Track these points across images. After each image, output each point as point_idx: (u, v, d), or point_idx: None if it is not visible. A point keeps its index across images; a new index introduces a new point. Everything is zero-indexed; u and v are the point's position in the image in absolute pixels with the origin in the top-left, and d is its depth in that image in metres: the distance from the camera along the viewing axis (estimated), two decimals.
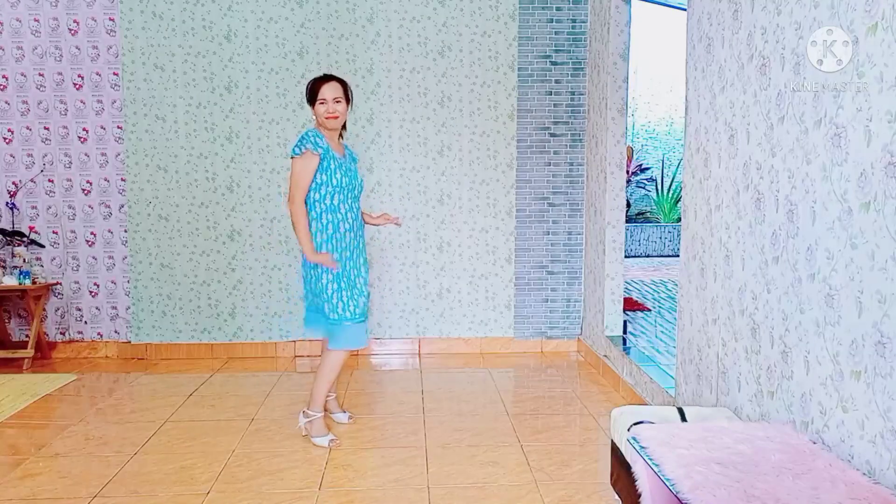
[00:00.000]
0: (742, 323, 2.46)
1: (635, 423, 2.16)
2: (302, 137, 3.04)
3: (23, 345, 4.57)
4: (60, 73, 4.56)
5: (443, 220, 4.75)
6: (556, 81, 4.72)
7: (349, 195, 3.12)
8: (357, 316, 3.11)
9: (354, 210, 3.16)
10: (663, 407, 2.47)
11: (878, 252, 1.71)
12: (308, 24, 4.59)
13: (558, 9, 4.68)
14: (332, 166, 3.05)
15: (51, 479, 2.77)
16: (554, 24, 4.69)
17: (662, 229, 10.33)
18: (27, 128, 4.58)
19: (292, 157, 3.04)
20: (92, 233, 4.67)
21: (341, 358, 3.17)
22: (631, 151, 10.79)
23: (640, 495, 1.92)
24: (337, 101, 3.07)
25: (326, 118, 3.06)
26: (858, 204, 1.79)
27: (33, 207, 4.64)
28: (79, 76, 4.56)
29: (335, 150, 3.11)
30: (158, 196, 4.62)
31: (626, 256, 4.47)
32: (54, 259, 4.68)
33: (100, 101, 4.58)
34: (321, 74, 3.17)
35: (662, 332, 4.87)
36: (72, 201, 4.64)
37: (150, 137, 4.58)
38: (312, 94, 3.09)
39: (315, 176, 3.03)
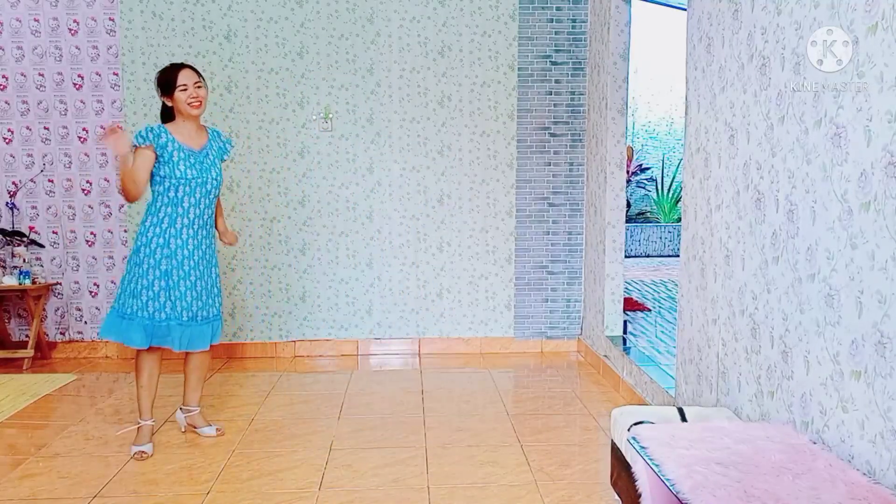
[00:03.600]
0: (742, 323, 2.46)
1: (635, 423, 2.16)
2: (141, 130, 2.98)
3: (23, 345, 4.57)
4: (60, 73, 4.56)
5: (443, 220, 4.75)
6: (557, 81, 4.72)
7: (197, 190, 3.00)
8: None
9: (201, 207, 3.04)
10: (663, 407, 2.47)
11: (879, 252, 1.71)
12: (308, 24, 4.59)
13: (558, 9, 4.68)
14: (176, 158, 2.96)
15: (51, 479, 2.77)
16: (554, 23, 4.69)
17: (662, 229, 10.33)
18: (27, 128, 4.58)
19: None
20: (92, 233, 4.67)
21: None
22: (631, 151, 10.79)
23: (640, 495, 1.92)
24: (198, 87, 3.02)
25: (189, 104, 2.98)
26: (859, 204, 1.79)
27: (33, 207, 4.64)
28: (79, 76, 4.56)
29: (186, 142, 3.02)
30: None
31: (626, 256, 4.46)
32: (54, 259, 4.68)
33: (100, 101, 4.58)
34: (168, 65, 3.07)
35: (662, 332, 4.87)
36: (72, 201, 4.64)
37: None
38: (169, 83, 2.99)
39: (157, 168, 2.95)
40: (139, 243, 2.98)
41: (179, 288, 2.98)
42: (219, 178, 3.11)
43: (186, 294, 3.00)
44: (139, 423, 3.09)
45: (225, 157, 3.20)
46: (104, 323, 3.03)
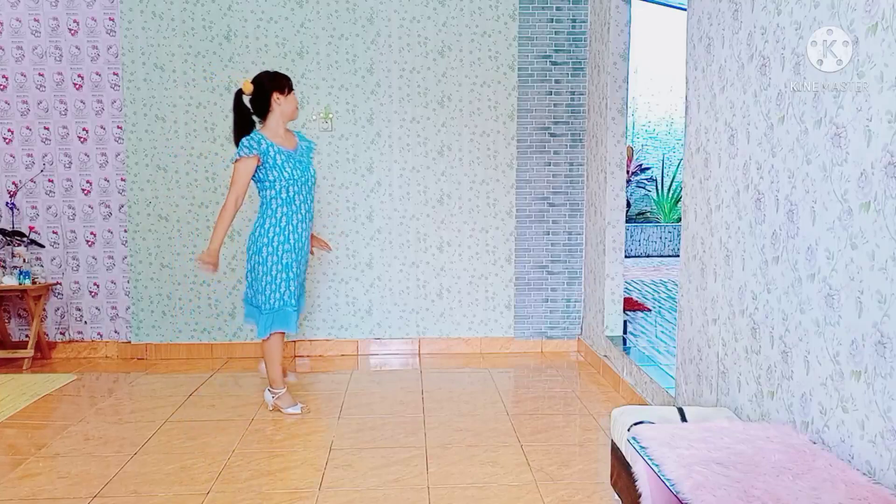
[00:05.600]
0: (742, 323, 2.46)
1: (635, 423, 2.16)
2: (239, 148, 3.28)
3: (23, 345, 4.57)
4: (60, 73, 4.56)
5: (443, 220, 4.75)
6: (557, 81, 4.72)
7: (303, 187, 3.38)
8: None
9: (308, 203, 3.43)
10: (663, 407, 2.47)
11: (879, 252, 1.71)
12: (308, 24, 4.59)
13: (558, 8, 4.68)
14: (280, 161, 3.30)
15: (51, 479, 2.77)
16: (554, 23, 4.69)
17: (662, 229, 10.33)
18: (27, 128, 4.58)
19: (234, 164, 3.28)
20: (92, 233, 4.67)
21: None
22: (631, 151, 10.79)
23: (640, 495, 1.92)
24: None
25: (296, 108, 3.42)
26: (858, 204, 1.79)
27: (33, 207, 4.64)
28: (79, 76, 4.56)
29: (283, 145, 3.34)
30: (158, 196, 4.62)
31: (626, 256, 4.46)
32: (54, 259, 4.68)
33: (100, 101, 4.58)
34: (278, 71, 3.43)
35: (662, 332, 4.86)
36: (72, 201, 4.64)
37: (150, 137, 4.58)
38: (287, 85, 3.36)
39: (265, 174, 3.30)
40: (261, 244, 3.35)
41: (299, 278, 3.43)
42: (315, 174, 3.50)
43: (299, 283, 3.45)
44: (281, 391, 3.53)
45: (312, 155, 3.55)
46: (265, 323, 3.38)
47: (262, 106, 3.34)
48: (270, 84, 3.33)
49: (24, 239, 4.55)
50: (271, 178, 3.29)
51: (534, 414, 3.57)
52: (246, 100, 3.39)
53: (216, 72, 4.57)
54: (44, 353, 4.63)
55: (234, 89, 4.56)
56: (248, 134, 3.31)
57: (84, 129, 4.60)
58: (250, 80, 3.36)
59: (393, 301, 4.77)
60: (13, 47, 4.54)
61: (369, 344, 4.78)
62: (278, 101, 3.31)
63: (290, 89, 3.36)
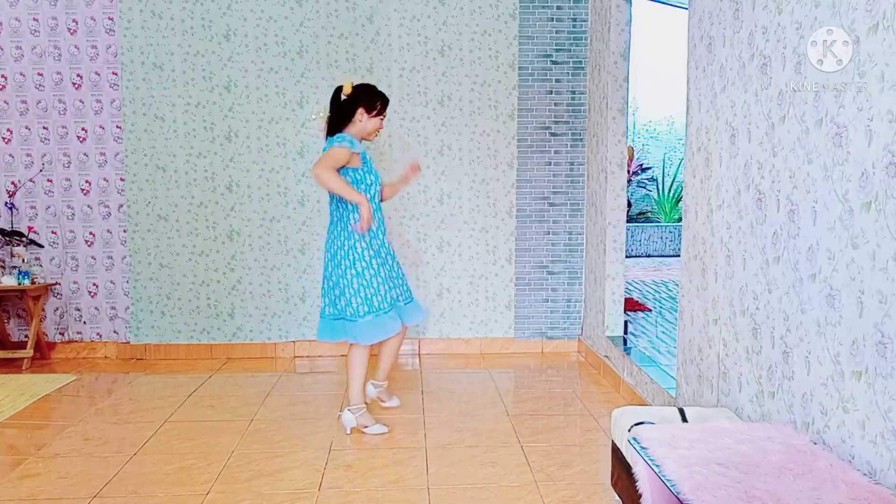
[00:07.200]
0: (743, 323, 2.45)
1: (636, 424, 2.16)
2: (340, 137, 3.14)
3: (22, 345, 4.56)
4: (59, 73, 4.55)
5: (443, 220, 4.75)
6: (557, 80, 4.71)
7: (378, 192, 3.34)
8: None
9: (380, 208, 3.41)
10: (664, 407, 2.47)
11: (879, 252, 1.70)
12: (307, 23, 4.58)
13: (559, 7, 4.67)
14: (365, 169, 3.25)
15: (50, 480, 2.76)
16: (555, 22, 4.68)
17: (663, 229, 10.32)
18: (26, 127, 4.58)
19: (333, 146, 3.09)
20: (91, 233, 4.66)
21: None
22: (632, 151, 10.77)
23: (640, 496, 1.91)
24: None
25: (376, 131, 3.29)
26: (859, 204, 1.78)
27: (32, 207, 4.63)
28: (78, 75, 4.56)
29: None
30: (157, 196, 4.61)
31: (626, 256, 4.45)
32: (53, 259, 4.67)
33: (99, 101, 4.58)
34: (379, 90, 3.27)
35: (663, 332, 4.86)
36: (71, 201, 4.64)
37: (149, 137, 4.57)
38: (377, 105, 3.23)
39: (363, 175, 3.21)
40: (348, 246, 3.20)
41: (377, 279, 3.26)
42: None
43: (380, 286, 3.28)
44: (362, 408, 3.31)
45: None
46: (366, 330, 3.22)
47: (345, 112, 3.23)
48: (359, 96, 3.22)
49: (23, 239, 4.54)
50: (368, 181, 3.23)
51: (534, 414, 3.56)
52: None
53: (215, 71, 4.57)
54: (43, 353, 4.62)
55: (234, 88, 4.58)
56: (341, 129, 3.24)
57: (83, 129, 4.59)
58: (352, 84, 3.26)
59: None
60: (12, 47, 4.53)
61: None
62: (360, 118, 3.21)
63: (378, 113, 3.24)
